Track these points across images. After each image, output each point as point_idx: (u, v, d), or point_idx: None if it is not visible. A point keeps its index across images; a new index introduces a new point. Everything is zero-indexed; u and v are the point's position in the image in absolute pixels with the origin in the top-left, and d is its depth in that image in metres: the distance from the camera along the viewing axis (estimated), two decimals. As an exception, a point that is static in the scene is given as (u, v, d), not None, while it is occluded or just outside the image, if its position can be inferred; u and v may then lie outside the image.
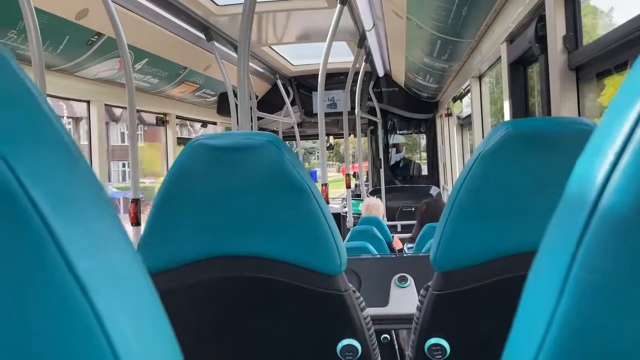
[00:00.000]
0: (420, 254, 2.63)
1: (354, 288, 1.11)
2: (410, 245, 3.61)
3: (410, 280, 2.07)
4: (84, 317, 0.24)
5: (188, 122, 6.78)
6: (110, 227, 0.29)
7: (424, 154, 7.86)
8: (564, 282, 0.24)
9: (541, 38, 1.97)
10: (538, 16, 2.01)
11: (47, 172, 0.26)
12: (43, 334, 0.24)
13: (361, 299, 1.12)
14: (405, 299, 1.99)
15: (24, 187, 0.24)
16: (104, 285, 0.26)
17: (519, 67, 2.52)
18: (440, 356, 1.08)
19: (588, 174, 0.24)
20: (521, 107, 2.53)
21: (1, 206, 0.24)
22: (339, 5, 3.16)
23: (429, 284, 1.12)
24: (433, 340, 1.09)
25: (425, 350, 1.09)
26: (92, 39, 3.20)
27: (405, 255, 3.04)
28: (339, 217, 6.76)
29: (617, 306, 0.22)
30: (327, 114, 5.75)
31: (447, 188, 6.42)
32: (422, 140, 7.98)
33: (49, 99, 2.55)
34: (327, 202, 3.46)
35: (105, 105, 3.91)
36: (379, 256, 2.59)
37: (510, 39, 2.54)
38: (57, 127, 0.29)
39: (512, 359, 0.28)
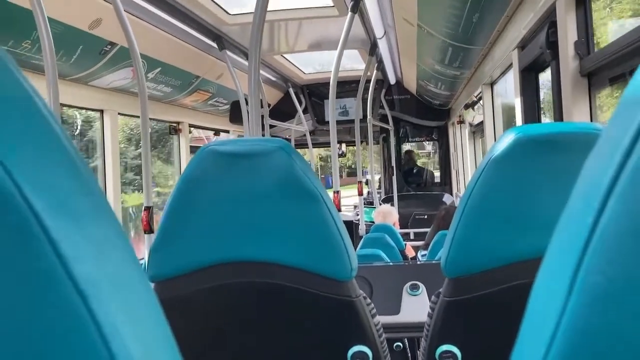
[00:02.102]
0: (432, 262, 2.62)
1: (364, 294, 1.10)
2: (424, 252, 3.60)
3: (422, 288, 2.06)
4: (83, 323, 0.24)
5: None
6: (110, 232, 0.29)
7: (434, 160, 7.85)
8: (571, 285, 0.23)
9: (552, 44, 1.97)
10: (549, 22, 2.01)
11: (45, 176, 0.26)
12: (41, 339, 0.24)
13: (372, 305, 1.12)
14: (417, 307, 1.98)
15: (21, 191, 0.24)
16: (102, 291, 0.26)
17: (530, 73, 2.51)
18: None
19: (594, 177, 0.24)
20: (533, 113, 2.52)
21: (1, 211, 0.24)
22: (349, 14, 3.17)
23: (440, 290, 1.12)
24: (444, 347, 1.08)
25: (437, 357, 1.08)
26: (105, 48, 3.23)
27: (416, 262, 3.03)
28: (351, 225, 6.75)
29: (625, 309, 0.22)
30: (339, 122, 5.75)
31: (459, 195, 6.39)
32: (428, 145, 7.97)
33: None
34: (340, 210, 3.46)
35: (118, 114, 3.94)
36: (390, 264, 2.58)
37: (522, 46, 2.53)
38: (56, 131, 0.28)
39: None
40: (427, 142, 7.98)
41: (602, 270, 0.23)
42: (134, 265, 0.31)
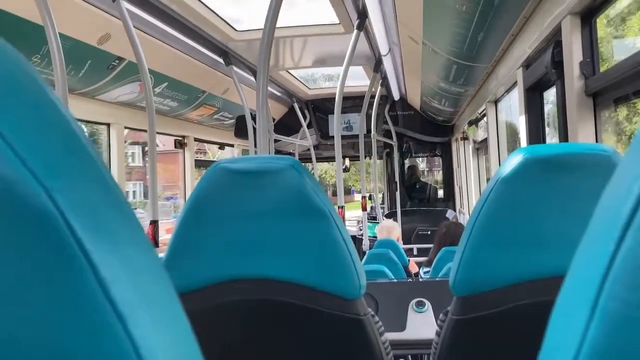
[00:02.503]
0: (438, 279, 2.62)
1: (372, 312, 1.11)
2: (426, 269, 3.59)
3: (428, 305, 2.06)
4: (121, 346, 0.25)
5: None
6: (142, 252, 0.30)
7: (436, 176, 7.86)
8: (592, 311, 0.24)
9: (558, 64, 1.98)
10: (555, 42, 2.02)
11: (83, 197, 0.27)
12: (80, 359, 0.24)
13: (380, 323, 1.12)
14: (422, 324, 1.98)
15: (62, 213, 0.25)
16: (139, 313, 0.27)
17: (535, 92, 2.53)
18: None
19: (614, 204, 0.25)
20: (538, 132, 2.53)
21: (41, 233, 0.25)
22: (355, 31, 3.20)
23: (448, 308, 1.12)
24: None
25: None
26: (113, 63, 3.26)
27: (422, 280, 3.03)
28: (355, 240, 6.75)
29: None
30: (343, 137, 5.77)
31: (463, 211, 6.39)
32: (422, 163, 7.98)
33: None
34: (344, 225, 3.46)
35: (125, 127, 3.96)
36: (396, 281, 2.59)
37: (527, 64, 2.55)
38: (90, 153, 0.29)
39: None
40: (421, 160, 7.97)
41: (622, 297, 0.23)
42: (165, 284, 0.32)
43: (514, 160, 0.99)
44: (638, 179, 0.24)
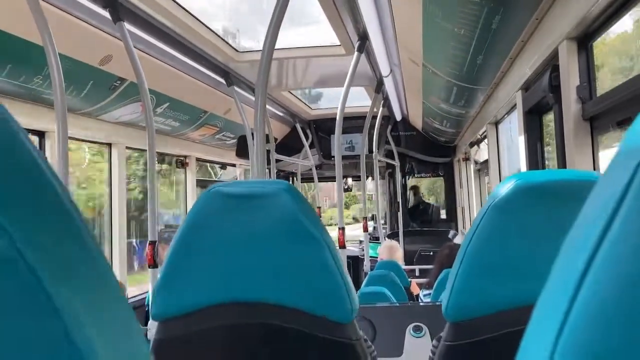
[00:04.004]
0: (436, 303, 2.60)
1: (365, 337, 1.10)
2: (427, 291, 3.57)
3: (425, 329, 2.05)
4: None
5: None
6: (107, 293, 0.30)
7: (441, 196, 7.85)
8: (559, 334, 0.24)
9: (555, 88, 1.99)
10: (552, 66, 2.03)
11: (48, 240, 0.27)
12: None
13: (372, 347, 1.11)
14: (419, 349, 1.96)
15: (24, 258, 0.25)
16: (103, 357, 0.26)
17: (534, 115, 2.53)
18: None
19: (588, 222, 0.25)
20: (536, 154, 2.53)
21: (2, 275, 0.24)
22: (356, 53, 3.22)
23: (442, 334, 1.11)
24: None
25: None
26: (114, 83, 3.28)
27: (420, 304, 3.01)
28: (357, 260, 6.73)
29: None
30: (345, 157, 5.79)
31: (464, 232, 6.37)
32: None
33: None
34: (344, 247, 3.46)
35: (126, 148, 3.98)
36: (394, 305, 2.57)
37: (526, 87, 2.56)
38: (60, 195, 0.29)
39: None
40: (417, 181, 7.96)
41: (585, 332, 0.23)
42: (135, 330, 0.31)
43: (506, 187, 0.99)
44: (611, 198, 0.23)
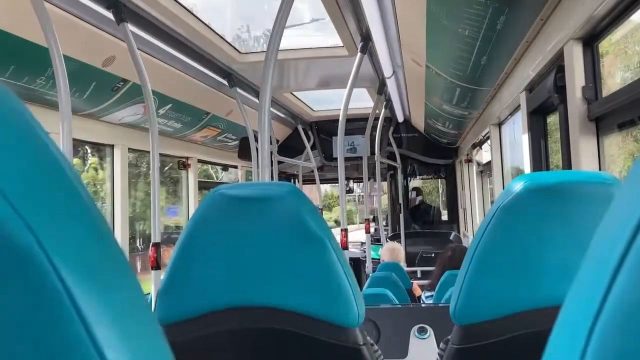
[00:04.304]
0: (440, 304, 2.59)
1: (372, 341, 1.09)
2: (429, 293, 3.56)
3: (430, 331, 2.04)
4: None
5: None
6: (128, 292, 0.30)
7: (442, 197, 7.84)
8: (588, 340, 0.23)
9: (560, 88, 1.98)
10: (557, 66, 2.02)
11: (69, 238, 0.27)
12: None
13: (379, 352, 1.10)
14: (424, 351, 1.95)
15: (46, 253, 0.24)
16: (123, 355, 0.26)
17: (538, 116, 2.52)
18: None
19: (613, 232, 0.24)
20: (540, 156, 2.52)
21: (25, 273, 0.24)
22: (359, 54, 3.22)
23: (449, 337, 1.10)
24: None
25: None
26: (117, 85, 3.28)
27: (424, 305, 3.00)
28: (359, 262, 6.72)
29: None
30: (347, 159, 5.77)
31: (467, 234, 6.36)
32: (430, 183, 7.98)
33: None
34: (347, 248, 3.45)
35: (129, 149, 3.98)
36: (398, 306, 2.56)
37: (530, 88, 2.55)
38: (80, 191, 0.29)
39: None
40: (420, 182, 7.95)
41: (618, 327, 0.22)
42: (153, 328, 0.31)
43: (514, 188, 0.98)
44: (632, 218, 0.23)
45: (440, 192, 8.48)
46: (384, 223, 7.79)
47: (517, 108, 3.01)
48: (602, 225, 0.26)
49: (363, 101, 5.92)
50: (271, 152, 4.87)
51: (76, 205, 0.29)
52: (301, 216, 1.02)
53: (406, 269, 4.62)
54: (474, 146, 5.40)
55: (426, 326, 2.05)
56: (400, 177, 7.13)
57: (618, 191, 0.26)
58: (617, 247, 0.23)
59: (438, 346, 1.22)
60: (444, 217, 7.68)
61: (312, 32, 3.80)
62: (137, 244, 5.06)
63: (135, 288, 0.31)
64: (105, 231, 0.30)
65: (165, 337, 0.96)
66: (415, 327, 2.04)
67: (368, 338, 1.07)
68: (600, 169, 1.82)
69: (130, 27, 2.66)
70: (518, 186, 0.98)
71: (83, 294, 0.25)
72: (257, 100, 4.50)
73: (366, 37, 3.16)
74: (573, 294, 0.27)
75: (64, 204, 0.28)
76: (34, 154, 0.28)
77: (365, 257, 4.99)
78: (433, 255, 6.34)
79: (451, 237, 6.78)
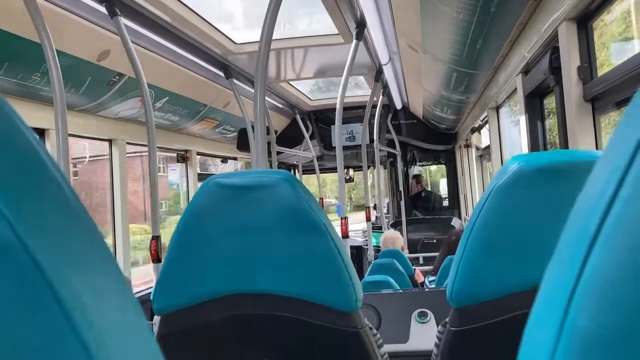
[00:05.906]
0: (441, 289, 2.60)
1: (370, 325, 1.10)
2: (432, 278, 3.57)
3: (431, 315, 2.05)
4: None
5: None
6: (109, 277, 0.30)
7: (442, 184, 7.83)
8: (560, 328, 0.23)
9: (556, 69, 1.97)
10: (552, 48, 2.01)
11: (46, 224, 0.26)
12: None
13: (378, 335, 1.11)
14: (425, 335, 1.96)
15: (22, 241, 0.24)
16: (104, 340, 0.26)
17: (534, 98, 2.52)
18: None
19: (589, 205, 0.24)
20: (538, 138, 2.51)
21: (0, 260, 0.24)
22: (354, 41, 3.20)
23: (447, 320, 1.11)
24: None
25: None
26: (113, 79, 3.27)
27: (424, 290, 3.01)
28: (360, 250, 6.73)
29: (613, 355, 0.22)
30: (345, 147, 5.76)
31: (467, 220, 6.35)
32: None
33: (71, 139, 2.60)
34: (347, 236, 3.46)
35: (127, 143, 3.97)
36: (398, 291, 2.57)
37: (525, 71, 2.54)
38: (59, 180, 0.29)
39: None
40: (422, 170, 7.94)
41: (591, 314, 0.22)
42: (135, 312, 0.31)
43: (509, 169, 0.98)
44: (612, 178, 0.23)
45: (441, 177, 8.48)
46: (385, 210, 7.80)
47: (514, 91, 3.01)
48: (579, 198, 0.26)
49: (361, 89, 5.90)
50: (269, 143, 4.87)
51: (52, 191, 0.29)
52: (296, 202, 1.02)
53: (408, 255, 4.63)
54: (473, 131, 5.39)
55: (427, 310, 2.05)
56: (400, 164, 7.12)
57: (595, 165, 0.26)
58: (592, 221, 0.23)
59: None
60: (445, 203, 7.68)
61: (307, 20, 3.78)
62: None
63: (115, 273, 0.31)
64: (85, 220, 0.30)
65: (165, 326, 0.96)
66: (416, 312, 2.05)
67: (367, 322, 1.08)
68: (597, 149, 1.82)
69: (124, 21, 2.65)
70: (512, 167, 0.98)
71: (60, 278, 0.25)
72: (253, 91, 4.48)
73: (361, 24, 3.14)
74: (551, 269, 0.27)
75: (39, 190, 0.28)
76: (6, 140, 0.27)
77: (367, 245, 4.99)
78: (434, 241, 6.35)
79: (452, 223, 6.78)
